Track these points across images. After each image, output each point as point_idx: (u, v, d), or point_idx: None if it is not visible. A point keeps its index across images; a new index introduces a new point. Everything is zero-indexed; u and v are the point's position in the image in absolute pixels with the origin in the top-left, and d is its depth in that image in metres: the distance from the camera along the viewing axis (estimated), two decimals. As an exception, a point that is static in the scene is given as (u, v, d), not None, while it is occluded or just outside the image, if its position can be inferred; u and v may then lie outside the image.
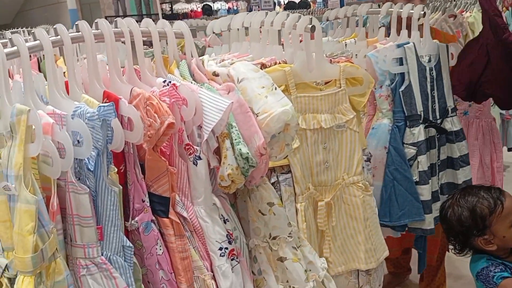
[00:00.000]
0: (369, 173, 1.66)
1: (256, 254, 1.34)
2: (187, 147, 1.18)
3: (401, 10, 1.95)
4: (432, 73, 1.92)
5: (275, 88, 1.23)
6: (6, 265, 0.96)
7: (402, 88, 1.83)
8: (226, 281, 1.19)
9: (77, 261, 1.02)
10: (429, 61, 1.92)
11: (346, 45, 1.96)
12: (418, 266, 2.22)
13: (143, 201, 1.12)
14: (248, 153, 1.16)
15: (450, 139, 2.00)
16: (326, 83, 1.52)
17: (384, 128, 1.86)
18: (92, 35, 1.13)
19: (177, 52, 1.31)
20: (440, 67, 1.95)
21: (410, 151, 1.86)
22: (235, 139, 1.17)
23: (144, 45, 1.24)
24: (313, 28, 1.42)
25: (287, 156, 1.35)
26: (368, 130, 1.91)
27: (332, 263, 1.55)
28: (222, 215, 1.22)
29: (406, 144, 1.86)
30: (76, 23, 1.15)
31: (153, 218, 1.13)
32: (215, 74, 1.31)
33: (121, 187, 1.06)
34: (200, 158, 1.18)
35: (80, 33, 1.13)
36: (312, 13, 5.84)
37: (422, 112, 1.87)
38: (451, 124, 2.00)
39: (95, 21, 1.18)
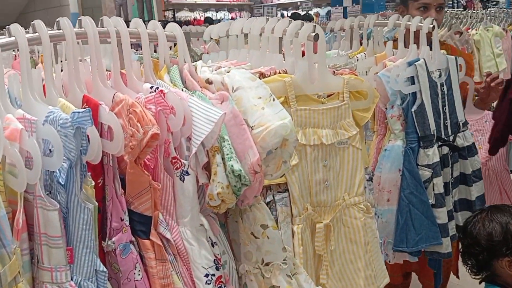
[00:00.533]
0: (371, 193, 1.60)
1: (246, 281, 1.26)
2: (173, 160, 1.10)
3: (410, 23, 1.88)
4: (443, 88, 1.88)
5: (273, 99, 1.16)
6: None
7: (414, 108, 1.79)
8: (212, 312, 1.11)
9: (44, 286, 0.94)
10: (440, 75, 1.88)
11: (357, 60, 1.90)
12: (435, 283, 2.19)
13: (122, 220, 1.03)
14: (240, 170, 1.09)
15: (462, 155, 1.96)
16: (328, 96, 1.46)
17: (397, 150, 1.82)
18: (74, 34, 1.07)
19: (168, 56, 1.24)
20: (450, 81, 1.91)
21: (425, 173, 1.82)
22: (227, 154, 1.09)
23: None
24: (316, 37, 1.37)
25: (284, 174, 1.26)
26: (379, 150, 1.88)
27: (329, 290, 1.47)
28: (210, 237, 1.14)
29: (421, 165, 1.82)
30: (57, 19, 1.07)
31: (133, 239, 1.06)
32: (209, 82, 1.23)
33: (96, 204, 0.98)
34: (187, 174, 1.10)
35: (61, 31, 1.05)
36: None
37: (435, 131, 1.83)
38: (463, 139, 1.96)
39: (79, 18, 1.09)
